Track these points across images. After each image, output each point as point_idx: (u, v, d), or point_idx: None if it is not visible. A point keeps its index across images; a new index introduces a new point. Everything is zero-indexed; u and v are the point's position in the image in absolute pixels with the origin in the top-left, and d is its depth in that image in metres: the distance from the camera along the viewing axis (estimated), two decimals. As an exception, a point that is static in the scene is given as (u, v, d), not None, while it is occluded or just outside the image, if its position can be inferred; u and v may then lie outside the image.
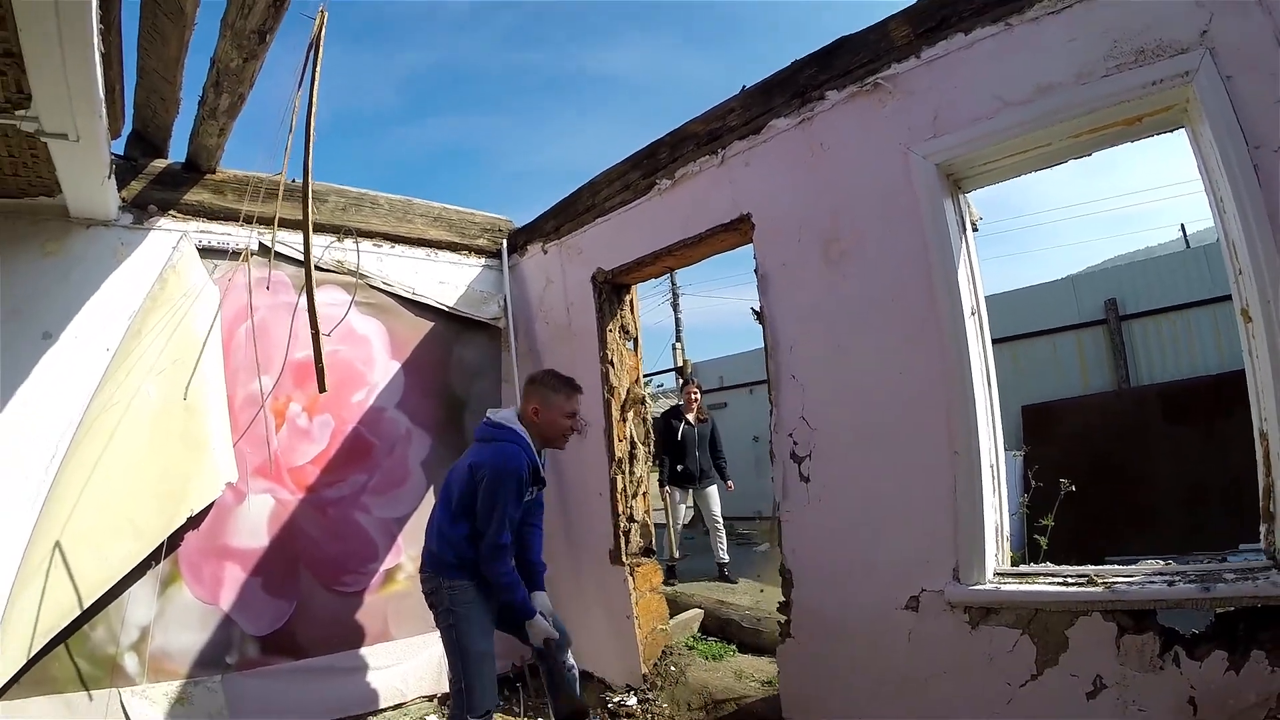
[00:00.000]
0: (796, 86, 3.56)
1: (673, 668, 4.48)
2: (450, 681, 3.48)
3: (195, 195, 4.29)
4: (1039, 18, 2.76)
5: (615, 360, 4.74)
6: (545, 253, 5.20)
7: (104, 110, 2.89)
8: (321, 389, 3.63)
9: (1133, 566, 2.73)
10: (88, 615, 3.63)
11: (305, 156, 3.35)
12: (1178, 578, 2.52)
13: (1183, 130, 2.70)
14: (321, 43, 3.20)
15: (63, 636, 3.57)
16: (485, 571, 3.27)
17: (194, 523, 3.96)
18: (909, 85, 3.15)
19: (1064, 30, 2.71)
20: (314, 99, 3.22)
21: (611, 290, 4.82)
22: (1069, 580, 2.75)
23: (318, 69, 3.22)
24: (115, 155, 3.76)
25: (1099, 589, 2.62)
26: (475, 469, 3.29)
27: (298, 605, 4.24)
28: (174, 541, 3.88)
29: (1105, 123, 2.72)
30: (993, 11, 2.87)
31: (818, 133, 3.48)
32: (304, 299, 4.34)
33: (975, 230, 3.28)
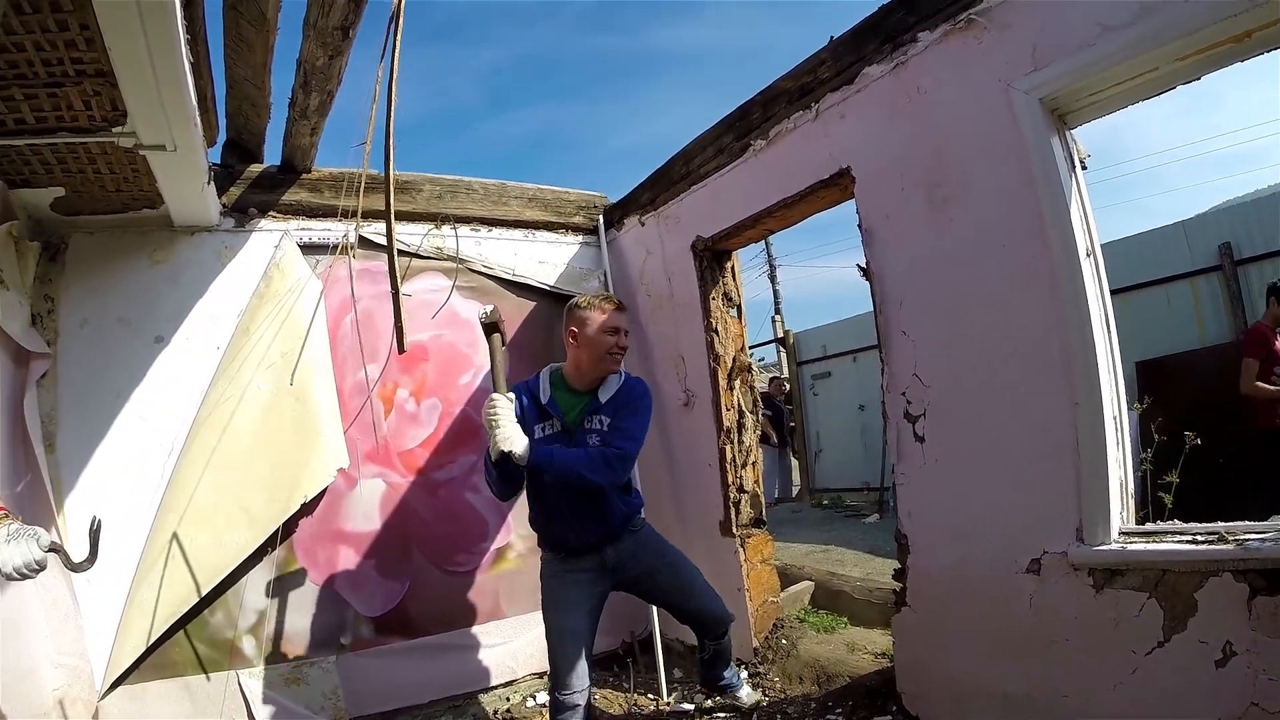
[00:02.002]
0: (886, 31, 3.28)
1: (784, 641, 4.28)
2: None
3: (293, 195, 4.28)
4: (1137, -68, 2.45)
5: (720, 328, 4.53)
6: (643, 225, 5.02)
7: (198, 119, 2.86)
8: (400, 349, 3.56)
9: (1266, 523, 2.43)
10: (206, 601, 3.66)
11: (387, 131, 3.23)
12: (1314, 533, 2.21)
13: (1296, 46, 2.36)
14: (401, 15, 3.11)
15: (182, 622, 3.61)
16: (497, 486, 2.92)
17: (308, 509, 3.95)
18: (1004, 18, 2.84)
19: (1166, -55, 2.39)
20: (395, 73, 3.13)
21: (712, 258, 4.60)
22: (1198, 538, 2.46)
23: (398, 42, 3.13)
24: (212, 164, 3.75)
25: (1230, 546, 2.32)
26: None
27: (410, 586, 4.20)
28: (289, 528, 3.87)
29: (1213, 41, 2.39)
30: (1089, -69, 2.56)
31: (913, 77, 3.20)
32: (406, 286, 4.32)
33: (1085, 168, 2.99)
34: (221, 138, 3.84)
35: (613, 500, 3.01)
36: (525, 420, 2.93)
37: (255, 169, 4.20)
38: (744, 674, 3.90)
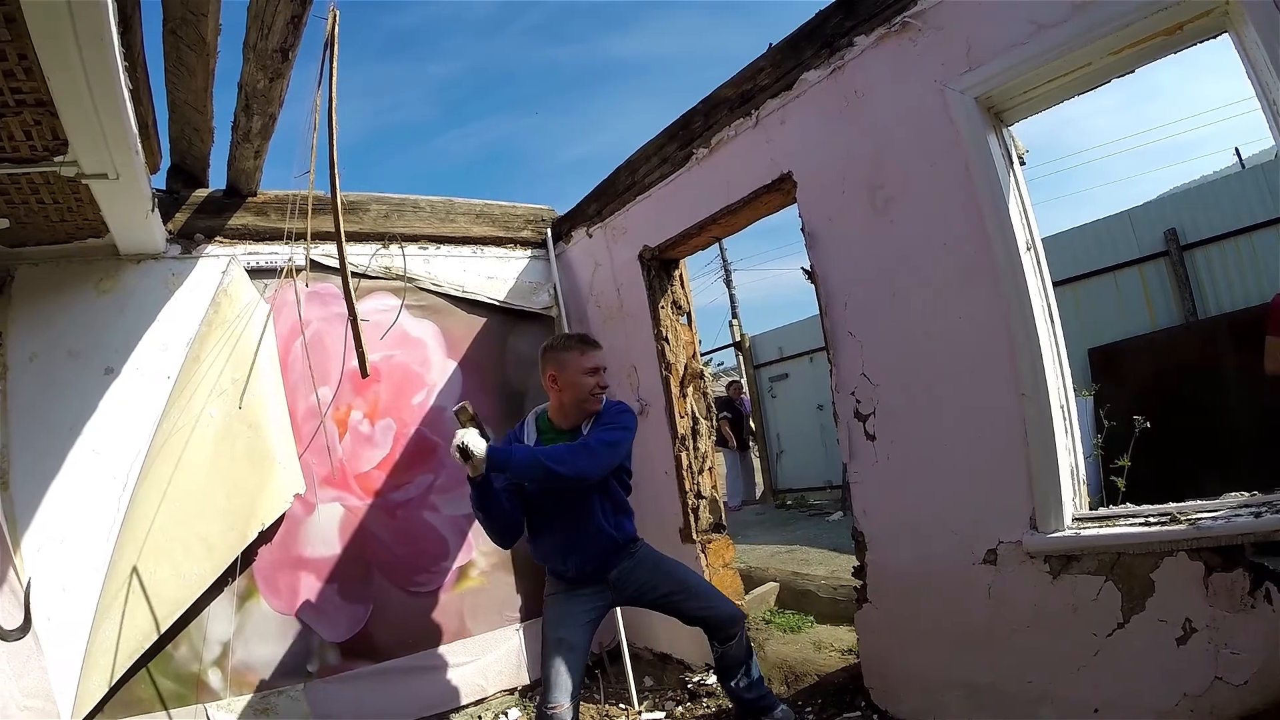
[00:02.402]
0: (824, 36, 3.36)
1: (751, 643, 4.34)
2: None
3: (239, 219, 4.26)
4: (1066, -69, 2.54)
5: (670, 337, 4.58)
6: (590, 237, 5.06)
7: (139, 146, 2.85)
8: (364, 374, 3.54)
9: (1216, 501, 2.51)
10: (169, 636, 3.62)
11: (330, 154, 3.28)
12: (1264, 508, 2.30)
13: (1226, 36, 2.46)
14: (336, 42, 3.13)
15: (146, 658, 3.57)
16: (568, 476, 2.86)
17: (266, 536, 3.93)
18: (938, 20, 2.92)
19: (1096, -58, 2.48)
20: (334, 98, 3.15)
21: (660, 267, 4.66)
22: (1150, 520, 2.54)
23: (334, 68, 3.14)
24: (157, 189, 3.74)
25: (1182, 526, 2.39)
26: None
27: (374, 609, 4.19)
28: (248, 556, 3.85)
29: (1145, 34, 2.49)
30: (1019, -69, 2.65)
31: (851, 81, 3.28)
32: (356, 307, 4.30)
33: (1023, 164, 3.07)
34: (166, 163, 3.84)
35: (605, 532, 3.09)
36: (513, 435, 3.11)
37: (200, 194, 4.18)
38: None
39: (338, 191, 3.35)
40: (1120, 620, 2.53)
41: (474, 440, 2.71)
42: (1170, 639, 2.42)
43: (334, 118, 3.18)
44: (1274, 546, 2.23)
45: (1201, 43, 2.55)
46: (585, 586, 3.15)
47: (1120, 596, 2.53)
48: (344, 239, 3.53)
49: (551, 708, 2.90)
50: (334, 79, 3.14)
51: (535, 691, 4.28)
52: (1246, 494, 2.50)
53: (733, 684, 3.34)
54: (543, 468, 2.79)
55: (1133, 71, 2.71)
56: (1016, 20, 2.68)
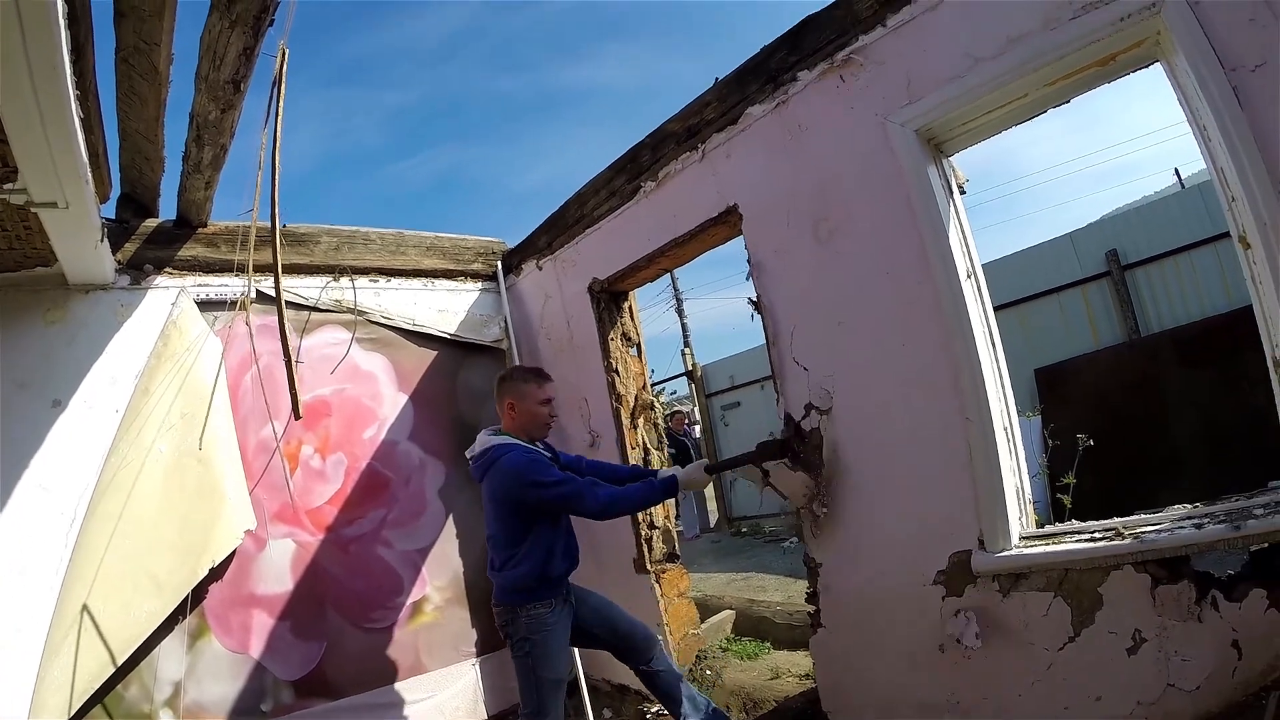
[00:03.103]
0: (769, 71, 3.48)
1: (708, 671, 4.39)
2: (520, 709, 3.26)
3: (189, 250, 4.25)
4: (1001, -31, 2.68)
5: (620, 368, 4.66)
6: (540, 269, 5.13)
7: (90, 175, 2.85)
8: (296, 416, 3.56)
9: (1160, 514, 2.63)
10: (120, 675, 3.56)
11: (272, 190, 3.32)
12: (1206, 519, 2.42)
13: (1158, 65, 2.61)
14: (284, 80, 3.17)
15: (98, 698, 3.49)
16: (614, 515, 3.26)
17: (217, 573, 3.89)
18: (879, 55, 3.06)
19: (1028, -22, 2.62)
20: (278, 137, 3.20)
21: (610, 299, 4.75)
22: (1096, 535, 2.66)
23: (281, 106, 3.18)
24: (106, 219, 3.73)
25: (1127, 541, 2.52)
26: (494, 498, 3.19)
27: (327, 646, 4.16)
28: (199, 593, 3.81)
29: (1079, 66, 2.64)
30: (953, -32, 2.79)
31: (794, 115, 3.40)
32: (306, 340, 4.30)
33: (963, 193, 3.19)
34: (116, 191, 3.84)
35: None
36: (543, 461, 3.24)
37: (150, 224, 4.17)
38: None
39: (277, 228, 3.35)
40: (1071, 634, 2.64)
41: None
42: (1121, 650, 2.53)
43: (277, 157, 3.23)
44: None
45: (1134, 72, 2.70)
46: (565, 605, 3.26)
47: (1070, 611, 2.64)
48: (292, 271, 3.55)
49: None
50: (279, 118, 3.17)
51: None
52: (1190, 506, 2.62)
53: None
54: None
55: (1068, 101, 2.86)
56: (954, 54, 2.83)
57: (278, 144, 3.19)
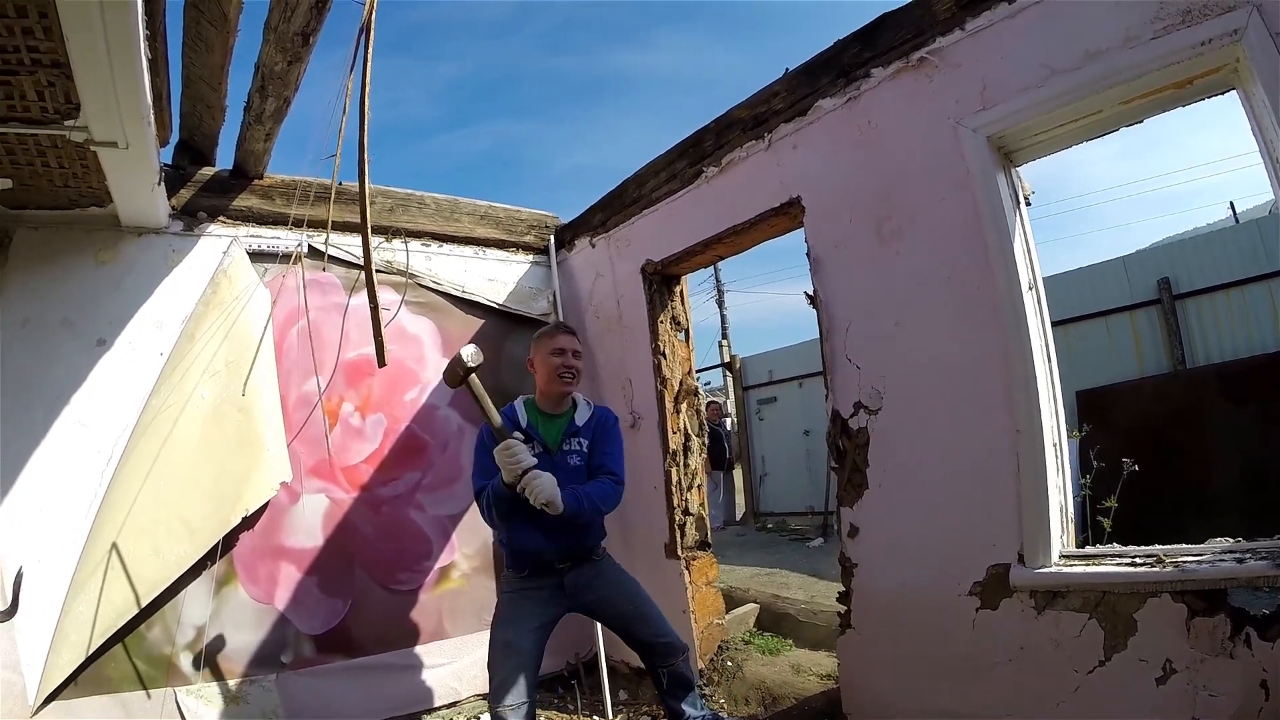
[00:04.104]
0: (841, 66, 3.45)
1: (729, 663, 4.38)
2: None
3: (244, 201, 4.28)
4: (1084, -20, 2.63)
5: (667, 352, 4.64)
6: (593, 247, 5.13)
7: (152, 117, 2.86)
8: (381, 363, 3.49)
9: (1201, 546, 2.60)
10: (144, 615, 3.61)
11: (360, 140, 3.23)
12: (1248, 555, 2.39)
13: (1234, 93, 2.57)
14: (373, 27, 3.13)
15: (119, 637, 3.55)
16: (487, 518, 3.16)
17: (249, 523, 3.93)
18: (954, 58, 3.03)
19: (1110, -8, 2.57)
20: (366, 85, 3.14)
21: (661, 281, 4.73)
22: (1137, 560, 2.63)
23: (369, 53, 3.15)
24: (163, 164, 3.74)
25: (1168, 568, 2.49)
26: None
27: (352, 604, 4.19)
28: (229, 541, 3.84)
29: (1155, 86, 2.60)
30: (1037, -22, 2.75)
31: (865, 111, 3.38)
32: (354, 299, 4.32)
33: (1029, 204, 3.16)
34: (175, 138, 3.85)
35: (581, 526, 3.17)
36: (482, 441, 3.11)
37: (207, 172, 4.20)
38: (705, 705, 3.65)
39: (365, 181, 3.32)
40: (1102, 658, 2.61)
41: (557, 496, 2.91)
42: (1150, 678, 2.49)
43: (365, 107, 3.18)
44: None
45: (1210, 98, 2.66)
46: (544, 580, 3.17)
47: (1103, 634, 2.61)
48: (344, 229, 3.55)
49: (499, 706, 2.95)
50: (368, 64, 3.14)
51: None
52: (1230, 540, 2.59)
53: (678, 710, 3.34)
54: (596, 510, 3.11)
55: (1141, 121, 2.82)
56: (1031, 63, 2.79)
57: (366, 95, 3.14)
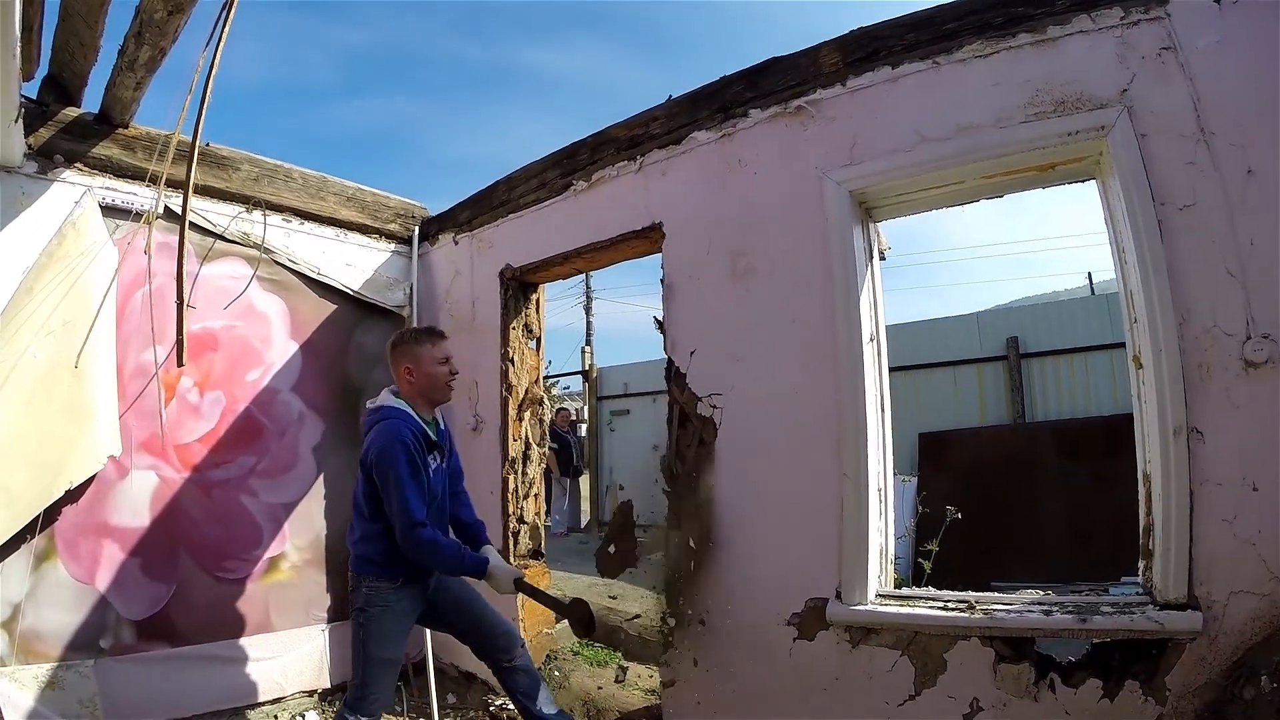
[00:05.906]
0: (722, 101, 3.67)
1: (556, 673, 4.54)
2: (350, 679, 3.33)
3: (104, 149, 4.12)
4: (966, 60, 2.94)
5: (516, 359, 4.78)
6: (456, 244, 5.21)
7: (18, 49, 2.80)
8: (180, 362, 3.50)
9: (1013, 595, 2.90)
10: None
11: (199, 111, 3.28)
12: (1055, 608, 2.70)
13: (1093, 181, 2.88)
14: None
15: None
16: (413, 557, 3.08)
17: (73, 496, 3.78)
18: (831, 111, 3.29)
19: (989, 75, 2.88)
20: (218, 55, 3.15)
21: (519, 288, 4.87)
22: (949, 605, 2.91)
23: (228, 25, 3.13)
24: (26, 98, 3.58)
25: (978, 615, 2.79)
26: (364, 462, 3.15)
27: (176, 589, 4.11)
28: (51, 515, 3.70)
29: (1020, 167, 2.91)
30: (923, 49, 3.04)
31: (737, 149, 3.60)
32: (205, 268, 4.21)
33: (883, 259, 3.40)
34: (42, 72, 3.73)
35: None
36: (420, 458, 3.12)
37: (70, 113, 4.02)
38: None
39: (195, 155, 3.25)
40: (912, 692, 2.90)
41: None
42: (958, 714, 2.79)
43: (212, 74, 3.15)
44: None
45: (1069, 184, 2.97)
46: (414, 588, 3.25)
47: (914, 671, 2.90)
48: (205, 194, 3.41)
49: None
50: (223, 38, 3.10)
51: (335, 696, 4.38)
52: (1042, 591, 2.89)
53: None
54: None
55: (1001, 196, 3.10)
56: (904, 128, 3.09)
57: (215, 64, 3.09)
